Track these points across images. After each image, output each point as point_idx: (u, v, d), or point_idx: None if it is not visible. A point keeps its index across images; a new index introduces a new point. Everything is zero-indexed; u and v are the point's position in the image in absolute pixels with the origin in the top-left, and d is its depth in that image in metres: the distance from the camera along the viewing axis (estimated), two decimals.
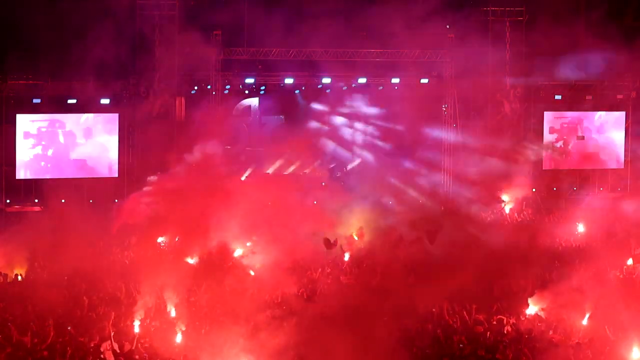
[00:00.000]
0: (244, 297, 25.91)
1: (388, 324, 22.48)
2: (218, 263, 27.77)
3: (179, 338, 22.73)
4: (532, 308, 24.84)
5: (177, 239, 30.14)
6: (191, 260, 28.36)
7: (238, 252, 29.39)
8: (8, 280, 28.20)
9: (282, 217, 29.65)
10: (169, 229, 30.28)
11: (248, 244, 29.71)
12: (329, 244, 30.33)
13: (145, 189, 34.64)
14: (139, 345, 22.30)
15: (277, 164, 40.60)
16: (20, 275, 28.67)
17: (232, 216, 28.67)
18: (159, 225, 30.32)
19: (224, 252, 28.26)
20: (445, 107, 41.24)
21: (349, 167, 41.66)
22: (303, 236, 29.77)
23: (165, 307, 23.82)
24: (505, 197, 40.00)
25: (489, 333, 23.15)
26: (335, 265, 29.73)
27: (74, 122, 37.92)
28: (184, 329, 23.01)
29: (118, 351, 21.96)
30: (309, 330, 22.59)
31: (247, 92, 40.92)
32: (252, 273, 27.73)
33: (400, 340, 21.89)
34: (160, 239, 31.25)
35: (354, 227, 32.80)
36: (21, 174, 37.44)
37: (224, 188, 31.28)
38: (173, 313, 23.66)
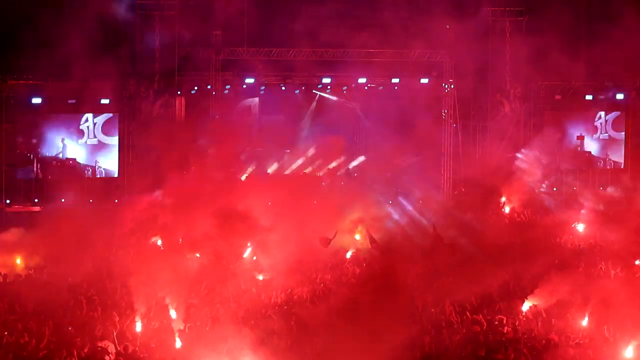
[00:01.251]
0: (247, 297, 25.93)
1: (389, 325, 22.49)
2: (222, 263, 27.75)
3: (178, 339, 22.74)
4: (532, 308, 24.85)
5: (180, 240, 30.10)
6: (194, 260, 28.36)
7: (243, 253, 29.41)
8: (8, 280, 28.19)
9: (285, 217, 29.58)
10: (171, 229, 30.21)
11: (249, 244, 29.69)
12: (326, 241, 30.10)
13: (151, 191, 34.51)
14: (139, 345, 22.31)
15: (278, 164, 40.62)
16: (21, 275, 28.66)
17: (237, 216, 28.66)
18: (162, 225, 30.29)
19: (229, 252, 28.28)
20: (445, 111, 41.21)
21: (351, 165, 41.63)
22: (306, 236, 29.72)
23: (166, 307, 23.81)
24: (504, 197, 39.98)
25: (489, 333, 23.15)
26: (336, 266, 29.73)
27: (73, 122, 37.90)
28: (184, 329, 23.02)
29: (118, 351, 21.97)
30: (311, 332, 22.61)
31: (247, 92, 40.88)
32: (260, 277, 27.72)
33: (401, 340, 21.90)
34: (158, 240, 31.20)
35: (357, 227, 32.76)
36: (23, 174, 37.41)
37: (228, 188, 31.33)
38: (174, 313, 23.65)
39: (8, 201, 37.40)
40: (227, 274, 27.13)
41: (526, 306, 24.96)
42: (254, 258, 29.51)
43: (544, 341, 22.69)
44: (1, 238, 31.05)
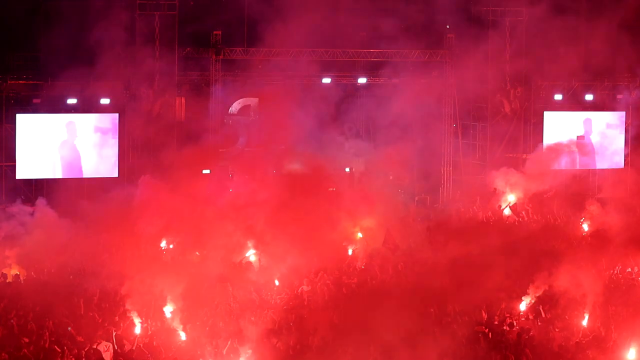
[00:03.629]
0: (248, 296, 25.94)
1: (388, 325, 22.53)
2: (223, 262, 27.74)
3: (180, 338, 22.75)
4: (533, 308, 24.86)
5: (180, 240, 30.10)
6: (195, 259, 28.35)
7: (245, 252, 29.40)
8: (8, 281, 28.19)
9: (286, 218, 29.54)
10: (173, 229, 30.15)
11: (250, 246, 29.67)
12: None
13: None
14: (139, 345, 22.33)
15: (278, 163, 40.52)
16: (20, 275, 28.66)
17: (238, 216, 28.66)
18: (163, 224, 30.24)
19: (231, 252, 28.28)
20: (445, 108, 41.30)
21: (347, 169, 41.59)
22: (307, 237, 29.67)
23: (166, 307, 23.81)
24: (506, 197, 39.94)
25: (490, 333, 23.17)
26: (337, 266, 29.68)
27: (73, 122, 37.89)
28: (184, 329, 23.03)
29: (117, 351, 22.00)
30: (309, 333, 22.64)
31: (247, 92, 40.87)
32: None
33: (400, 340, 21.93)
34: (163, 242, 31.18)
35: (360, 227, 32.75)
36: (23, 174, 37.43)
37: (228, 188, 31.28)
38: (174, 313, 23.66)
39: (8, 201, 37.35)
40: (228, 272, 27.11)
41: (526, 306, 24.97)
42: (257, 257, 29.54)
43: (544, 341, 22.72)
44: (1, 237, 31.05)
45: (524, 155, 41.57)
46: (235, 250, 29.09)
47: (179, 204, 29.22)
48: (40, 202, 33.81)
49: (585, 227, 35.48)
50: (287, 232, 28.82)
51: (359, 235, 32.44)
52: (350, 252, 31.32)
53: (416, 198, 40.35)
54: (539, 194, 39.37)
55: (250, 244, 29.52)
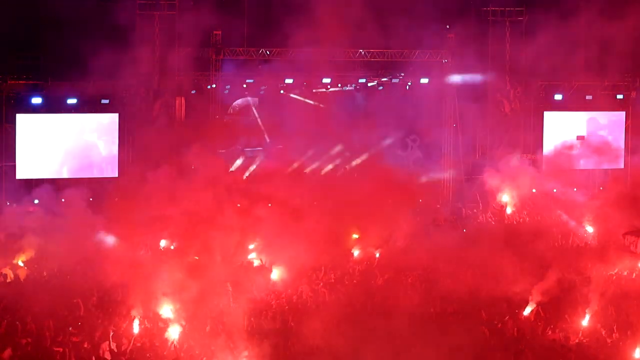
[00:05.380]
0: (247, 297, 25.95)
1: (385, 324, 22.56)
2: (223, 262, 27.72)
3: (178, 338, 22.76)
4: (532, 308, 24.86)
5: (180, 240, 30.05)
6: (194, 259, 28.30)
7: (245, 253, 29.39)
8: (8, 280, 28.20)
9: (287, 218, 29.54)
10: (172, 229, 30.13)
11: (251, 246, 29.65)
12: None
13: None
14: (138, 345, 22.34)
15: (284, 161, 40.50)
16: (20, 275, 28.66)
17: (238, 216, 28.62)
18: (162, 225, 30.22)
19: (230, 252, 28.24)
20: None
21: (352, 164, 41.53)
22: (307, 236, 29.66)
23: (166, 306, 23.81)
24: (506, 197, 39.95)
25: (490, 333, 23.18)
26: (340, 266, 29.70)
27: (74, 122, 37.90)
28: (183, 328, 23.04)
29: (116, 351, 22.01)
30: (310, 334, 22.67)
31: (247, 92, 40.87)
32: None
33: (400, 340, 21.93)
34: (162, 242, 31.15)
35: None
36: (23, 174, 37.43)
37: (228, 187, 31.20)
38: (173, 313, 23.65)
39: (8, 202, 37.36)
40: (228, 272, 27.10)
41: (527, 307, 24.98)
42: (260, 257, 29.53)
43: (544, 341, 22.73)
44: (2, 238, 31.07)
45: (525, 155, 41.60)
46: (237, 251, 29.08)
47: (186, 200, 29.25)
48: (69, 193, 33.64)
49: (586, 227, 35.51)
50: (290, 233, 28.85)
51: (355, 236, 32.48)
52: (356, 254, 31.38)
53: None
54: (541, 194, 39.46)
55: (252, 244, 29.53)
